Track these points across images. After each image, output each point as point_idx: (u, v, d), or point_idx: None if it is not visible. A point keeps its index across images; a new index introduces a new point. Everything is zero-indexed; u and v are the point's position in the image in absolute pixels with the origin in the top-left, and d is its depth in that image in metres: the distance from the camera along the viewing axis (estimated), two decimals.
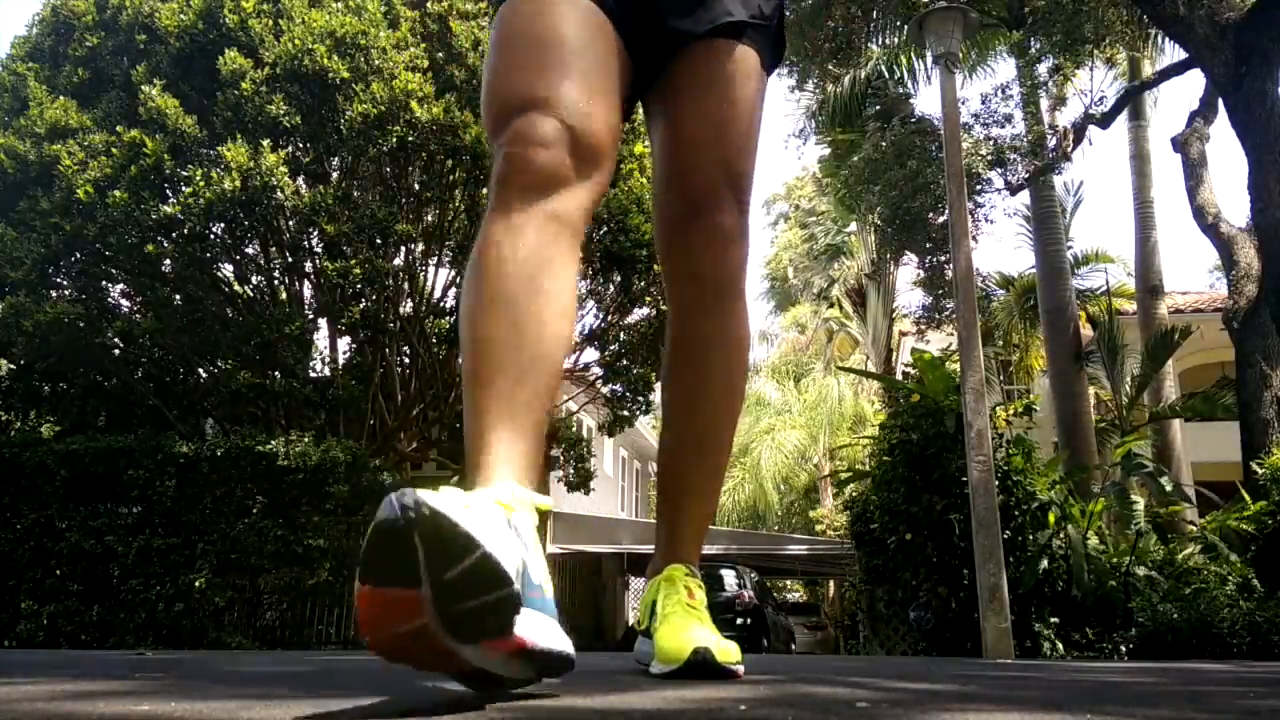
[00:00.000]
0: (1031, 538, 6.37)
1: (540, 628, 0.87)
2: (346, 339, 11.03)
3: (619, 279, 10.62)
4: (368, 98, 8.87)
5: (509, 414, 1.07)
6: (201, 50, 9.29)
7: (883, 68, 13.26)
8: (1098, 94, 15.43)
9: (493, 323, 1.11)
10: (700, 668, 1.22)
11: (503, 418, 1.06)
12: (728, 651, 1.25)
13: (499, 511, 0.89)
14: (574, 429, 12.63)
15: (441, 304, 10.74)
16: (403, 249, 10.11)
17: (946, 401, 6.59)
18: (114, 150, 8.91)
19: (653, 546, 1.52)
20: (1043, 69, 10.76)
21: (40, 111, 9.41)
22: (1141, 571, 6.51)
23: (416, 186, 9.96)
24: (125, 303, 10.67)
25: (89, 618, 7.69)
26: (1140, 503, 6.81)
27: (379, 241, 9.42)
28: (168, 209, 8.76)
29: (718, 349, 1.46)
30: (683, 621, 1.32)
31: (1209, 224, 9.77)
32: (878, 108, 12.56)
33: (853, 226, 22.01)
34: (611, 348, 11.28)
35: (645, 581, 1.51)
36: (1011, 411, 7.72)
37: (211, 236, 9.48)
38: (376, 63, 9.08)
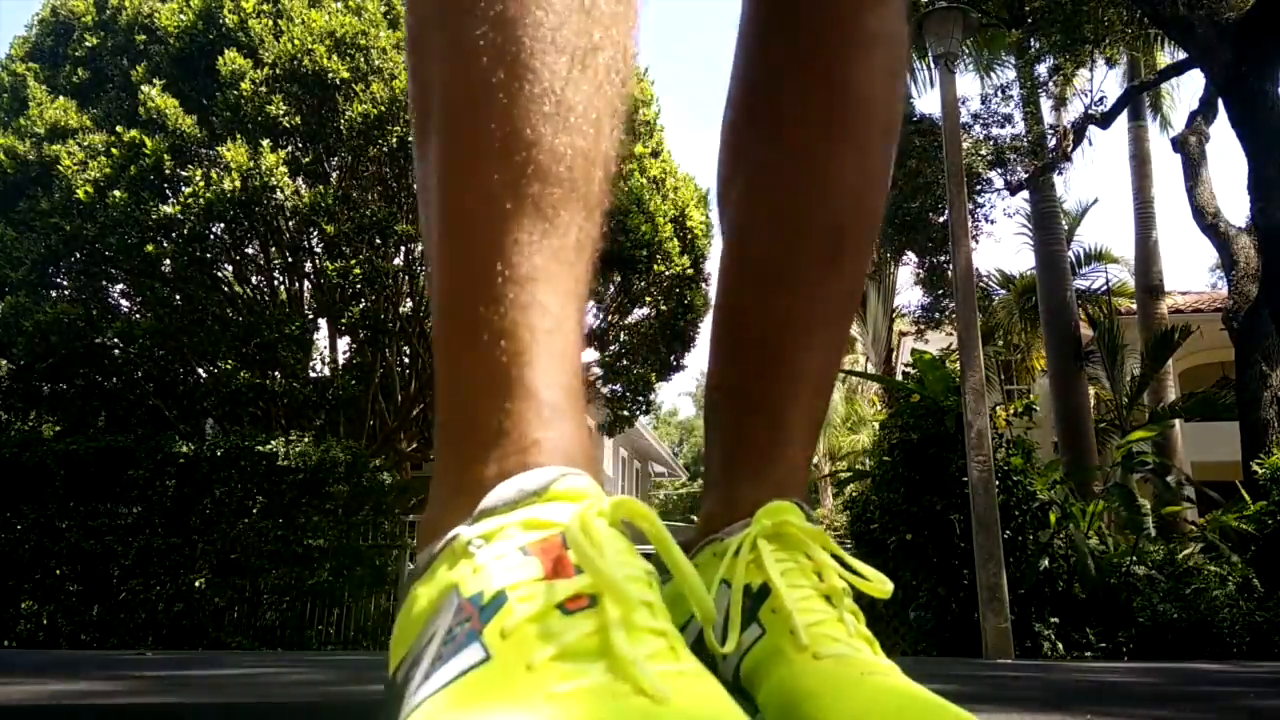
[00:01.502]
0: (1031, 537, 6.37)
1: None
2: (346, 339, 11.02)
3: (619, 279, 10.61)
4: (368, 98, 8.87)
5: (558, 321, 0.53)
6: (201, 50, 9.29)
7: None
8: (1097, 94, 15.42)
9: (543, 103, 0.54)
10: None
11: (553, 319, 0.53)
12: None
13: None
14: None
15: None
16: (403, 249, 10.11)
17: (946, 401, 6.59)
18: (114, 150, 8.91)
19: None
20: (1043, 69, 10.76)
21: (40, 111, 9.42)
22: (1141, 571, 6.52)
23: (416, 186, 9.96)
24: (125, 303, 10.66)
25: (89, 618, 7.68)
26: (1147, 505, 6.82)
27: (379, 241, 9.42)
28: (167, 209, 8.76)
29: (862, 50, 0.72)
30: (853, 660, 0.60)
31: (1209, 224, 9.77)
32: None
33: None
34: (611, 348, 11.29)
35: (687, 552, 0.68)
36: (1011, 411, 7.73)
37: (211, 236, 9.48)
38: (376, 63, 9.08)
